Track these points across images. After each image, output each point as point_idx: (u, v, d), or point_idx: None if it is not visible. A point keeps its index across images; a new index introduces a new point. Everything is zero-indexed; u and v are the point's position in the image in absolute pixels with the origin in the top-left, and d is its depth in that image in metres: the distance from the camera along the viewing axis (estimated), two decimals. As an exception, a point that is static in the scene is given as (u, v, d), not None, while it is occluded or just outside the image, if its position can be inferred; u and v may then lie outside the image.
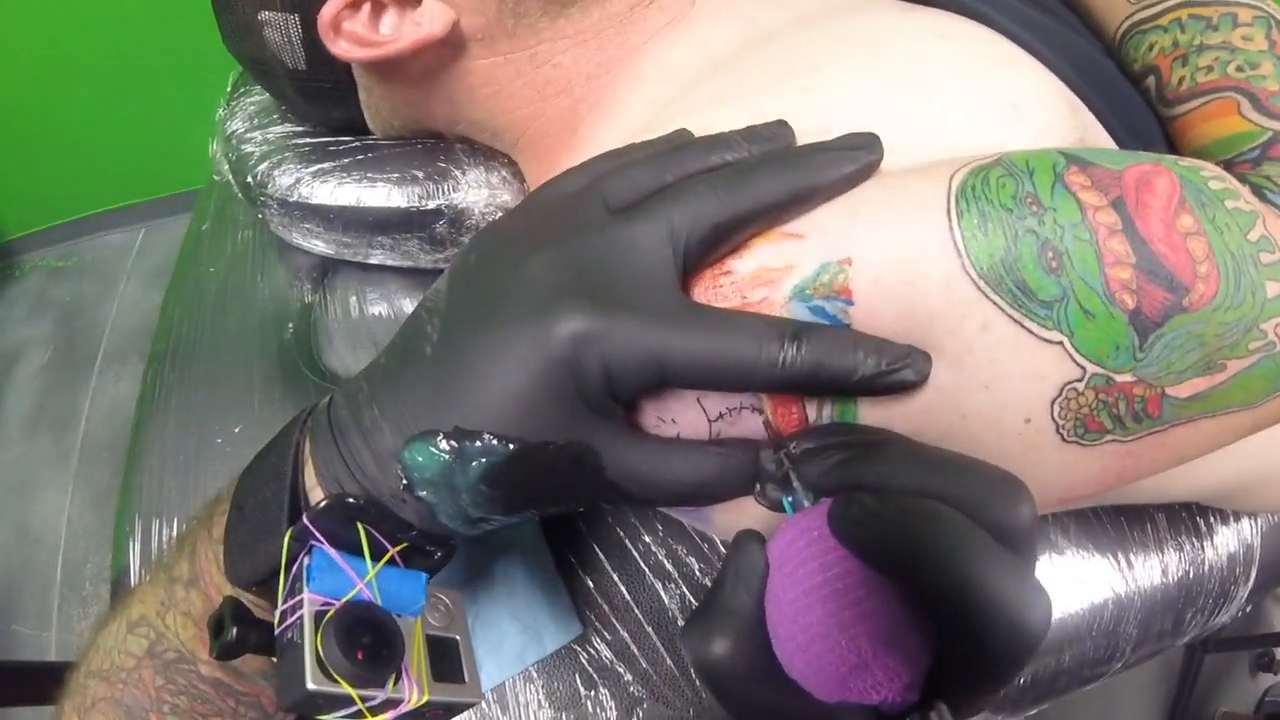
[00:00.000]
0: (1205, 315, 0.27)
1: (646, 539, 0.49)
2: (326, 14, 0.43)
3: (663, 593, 0.48)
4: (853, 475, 0.25)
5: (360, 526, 0.28)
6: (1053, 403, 0.28)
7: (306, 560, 0.27)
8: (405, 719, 0.28)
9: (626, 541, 0.49)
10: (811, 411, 0.28)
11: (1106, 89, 0.39)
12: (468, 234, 0.52)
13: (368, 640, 0.26)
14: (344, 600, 0.26)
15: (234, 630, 0.26)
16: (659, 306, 0.27)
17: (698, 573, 0.48)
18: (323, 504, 0.28)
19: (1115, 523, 0.53)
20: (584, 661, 0.46)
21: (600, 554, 0.48)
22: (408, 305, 0.57)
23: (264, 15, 0.46)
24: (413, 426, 0.28)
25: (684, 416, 0.29)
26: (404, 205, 0.51)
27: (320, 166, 0.53)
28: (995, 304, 0.27)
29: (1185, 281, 0.27)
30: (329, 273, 0.60)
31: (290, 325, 0.58)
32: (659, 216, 0.28)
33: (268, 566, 0.28)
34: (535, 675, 0.46)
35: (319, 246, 0.56)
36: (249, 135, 0.57)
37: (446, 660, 0.31)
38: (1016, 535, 0.23)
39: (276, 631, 0.27)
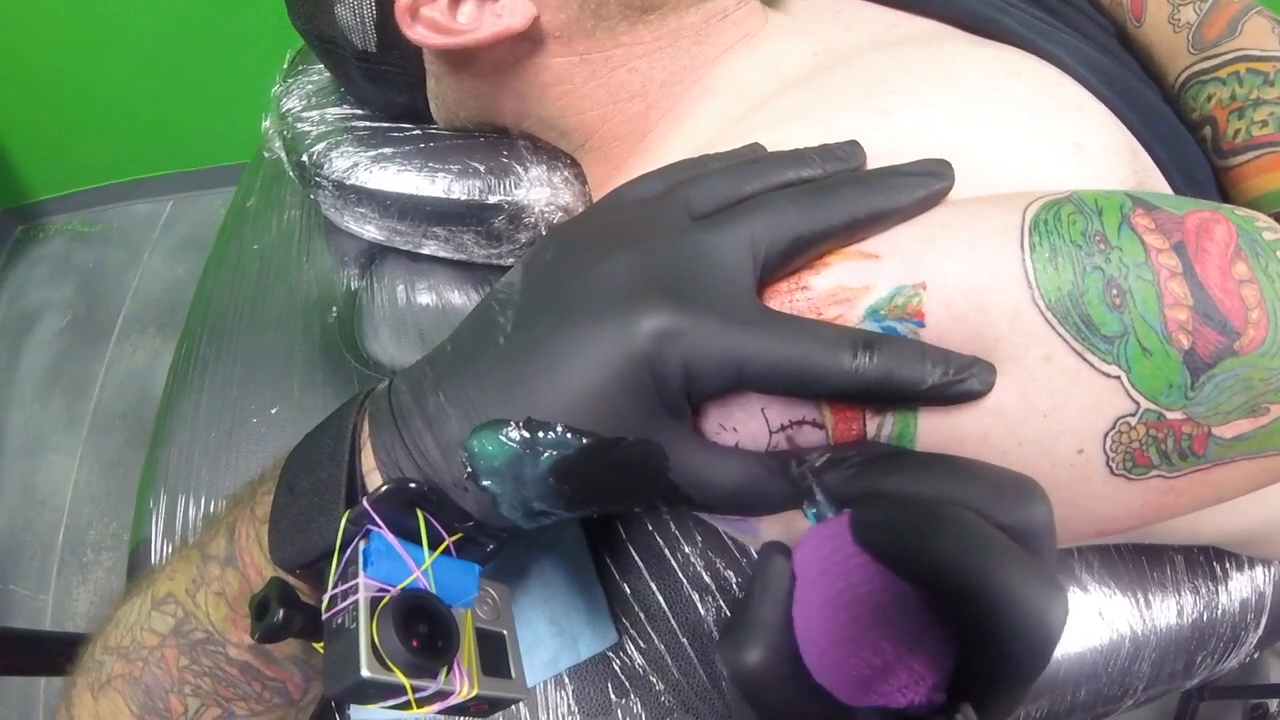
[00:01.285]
0: (1254, 360, 0.28)
1: (686, 549, 0.48)
2: (402, 1, 0.43)
3: (699, 604, 0.47)
4: (872, 483, 0.26)
5: (419, 513, 0.28)
6: (1106, 435, 0.29)
7: (363, 544, 0.26)
8: (451, 712, 0.27)
9: (666, 551, 0.48)
10: (872, 427, 0.29)
11: (1166, 136, 0.40)
12: (525, 231, 0.52)
13: (423, 629, 0.26)
14: (400, 587, 0.26)
15: (280, 612, 0.26)
16: (739, 311, 0.27)
17: (735, 587, 0.47)
18: (384, 488, 0.28)
19: (1135, 561, 0.53)
20: (617, 669, 0.46)
21: (639, 561, 0.48)
22: (455, 297, 0.57)
23: None
24: (482, 414, 0.28)
25: (746, 426, 0.30)
26: (464, 198, 0.51)
27: (380, 151, 0.53)
28: (1060, 335, 0.28)
29: (1237, 326, 0.28)
30: (377, 259, 0.59)
31: (334, 309, 0.58)
32: (741, 226, 0.29)
33: (319, 549, 0.28)
34: (567, 680, 0.45)
35: (370, 232, 0.56)
36: (306, 114, 0.57)
37: (494, 654, 0.30)
38: (1032, 535, 0.24)
39: (325, 616, 0.26)
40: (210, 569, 0.33)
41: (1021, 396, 0.28)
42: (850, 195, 0.29)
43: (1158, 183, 0.38)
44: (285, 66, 0.62)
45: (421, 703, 0.25)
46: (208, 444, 0.54)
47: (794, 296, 0.29)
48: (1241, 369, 0.28)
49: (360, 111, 0.56)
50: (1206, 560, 0.54)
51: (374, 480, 0.29)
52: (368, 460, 0.30)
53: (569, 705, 0.45)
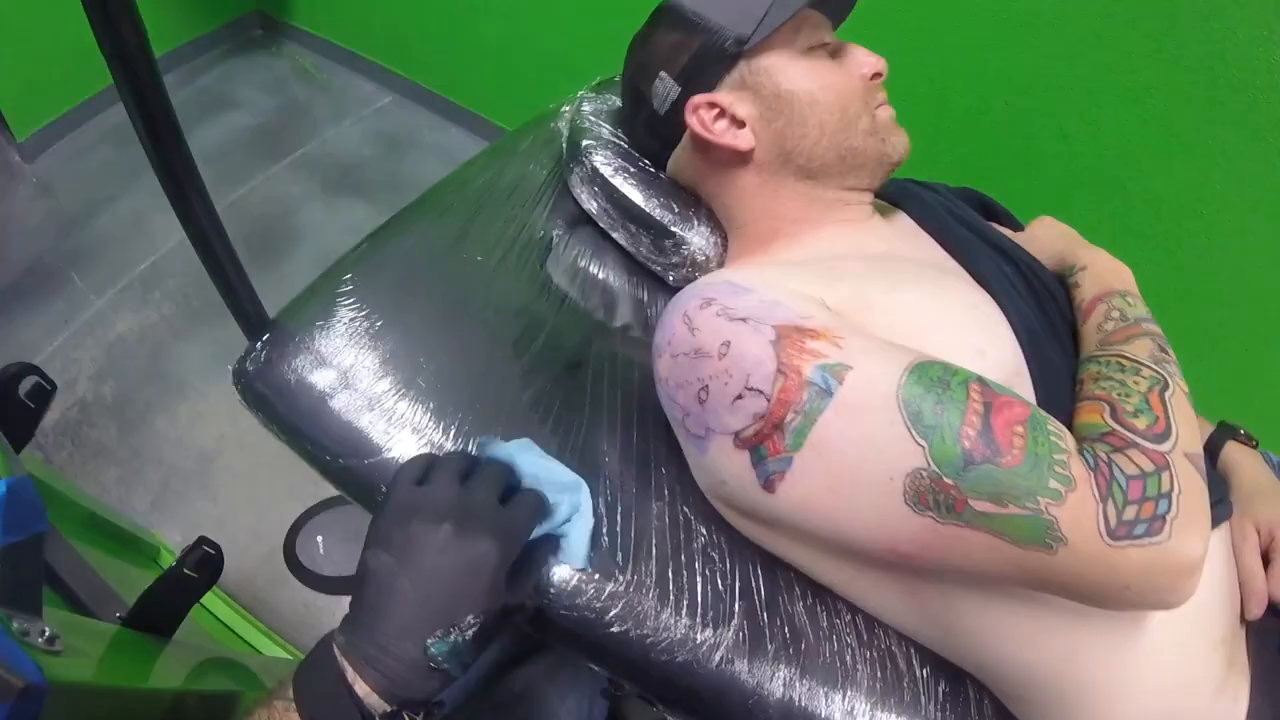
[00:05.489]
0: (1004, 473, 0.50)
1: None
2: (696, 100, 0.73)
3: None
4: None
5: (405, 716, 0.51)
6: (907, 475, 0.52)
7: None
8: None
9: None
10: (790, 415, 0.55)
11: (1049, 374, 0.63)
12: (677, 255, 0.80)
13: None
14: None
15: None
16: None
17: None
18: (391, 713, 0.50)
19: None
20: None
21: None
22: (609, 275, 0.85)
23: (663, 74, 0.75)
24: (423, 634, 0.50)
25: None
26: (657, 216, 0.80)
27: (626, 165, 0.82)
28: (903, 415, 0.52)
29: (1002, 451, 0.51)
30: (578, 227, 0.87)
31: (542, 233, 0.86)
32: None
33: None
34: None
35: (591, 206, 0.84)
36: (595, 118, 0.87)
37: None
38: None
39: None
40: None
41: (872, 436, 0.53)
42: None
43: (1025, 391, 0.61)
44: (595, 82, 0.94)
45: None
46: (429, 249, 0.80)
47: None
48: (996, 474, 0.49)
49: (625, 139, 0.86)
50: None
51: (375, 700, 0.50)
52: (362, 687, 0.50)
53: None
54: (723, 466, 0.60)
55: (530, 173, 0.91)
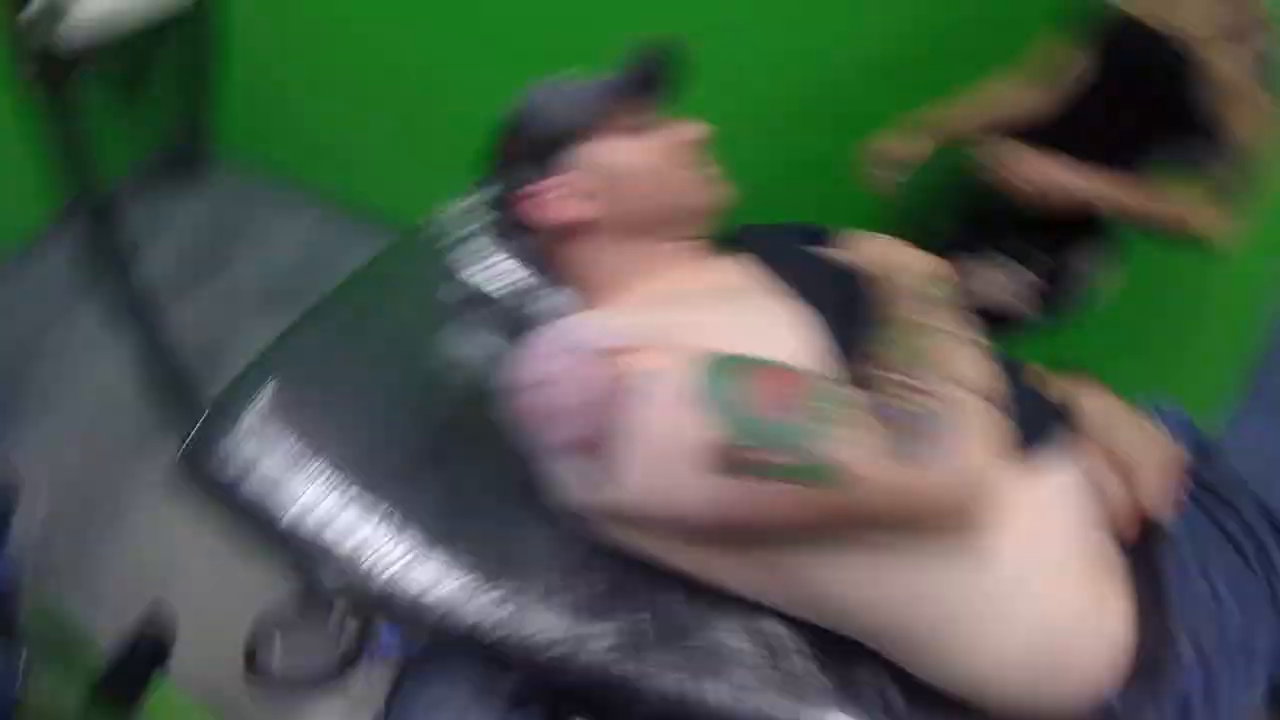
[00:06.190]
0: (793, 428, 0.61)
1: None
2: (546, 184, 0.86)
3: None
4: None
5: None
6: (713, 448, 0.62)
7: None
8: None
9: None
10: None
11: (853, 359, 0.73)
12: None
13: None
14: None
15: None
16: None
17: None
18: None
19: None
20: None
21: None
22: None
23: (516, 166, 0.89)
24: None
25: None
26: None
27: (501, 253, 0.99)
28: (705, 398, 0.63)
29: (791, 411, 0.62)
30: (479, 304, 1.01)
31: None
32: None
33: None
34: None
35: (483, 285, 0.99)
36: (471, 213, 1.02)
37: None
38: None
39: None
40: None
41: (680, 421, 0.63)
42: None
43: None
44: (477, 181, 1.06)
45: None
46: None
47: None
48: (785, 430, 0.61)
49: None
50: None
51: None
52: None
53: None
54: (573, 474, 0.72)
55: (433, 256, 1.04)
